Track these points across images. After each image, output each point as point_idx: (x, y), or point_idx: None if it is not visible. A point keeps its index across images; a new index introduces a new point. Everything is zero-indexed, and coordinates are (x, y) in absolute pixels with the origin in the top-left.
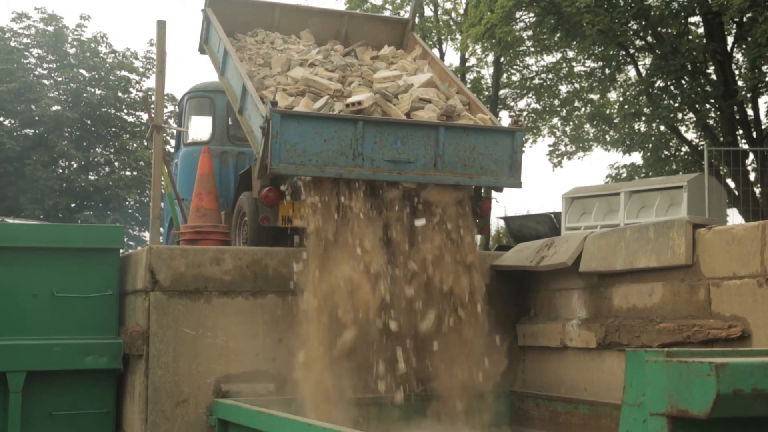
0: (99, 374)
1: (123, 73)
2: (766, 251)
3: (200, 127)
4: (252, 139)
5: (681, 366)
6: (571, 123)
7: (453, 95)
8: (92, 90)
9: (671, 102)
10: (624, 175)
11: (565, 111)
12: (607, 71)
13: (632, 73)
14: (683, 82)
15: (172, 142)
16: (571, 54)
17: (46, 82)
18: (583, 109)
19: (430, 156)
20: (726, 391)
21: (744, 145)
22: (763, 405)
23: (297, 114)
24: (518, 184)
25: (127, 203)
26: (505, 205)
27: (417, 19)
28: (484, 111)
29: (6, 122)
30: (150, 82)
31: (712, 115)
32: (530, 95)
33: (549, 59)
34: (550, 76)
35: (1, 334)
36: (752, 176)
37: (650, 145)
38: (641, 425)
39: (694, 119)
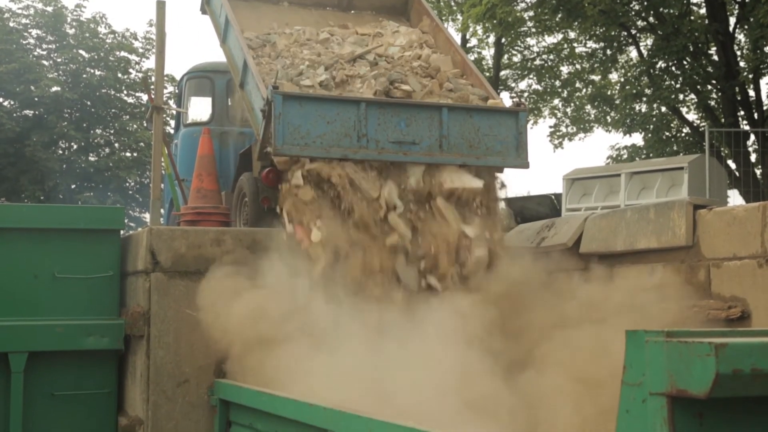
0: (100, 355)
1: (123, 53)
2: (767, 232)
3: (200, 108)
4: (252, 117)
5: (681, 346)
6: (572, 104)
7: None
8: (92, 71)
9: (672, 83)
10: (625, 156)
11: (566, 92)
12: (608, 52)
13: (633, 53)
14: (685, 62)
15: (172, 123)
16: (572, 35)
17: (45, 62)
18: (584, 90)
19: (435, 137)
20: (725, 371)
21: (745, 126)
22: (762, 385)
23: (299, 96)
24: (525, 165)
25: (127, 184)
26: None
27: None
28: (492, 95)
29: (5, 103)
30: (150, 63)
31: (714, 96)
32: (531, 76)
33: (550, 40)
34: (551, 56)
35: (2, 315)
36: (753, 157)
37: (651, 126)
38: (641, 405)
39: (696, 100)
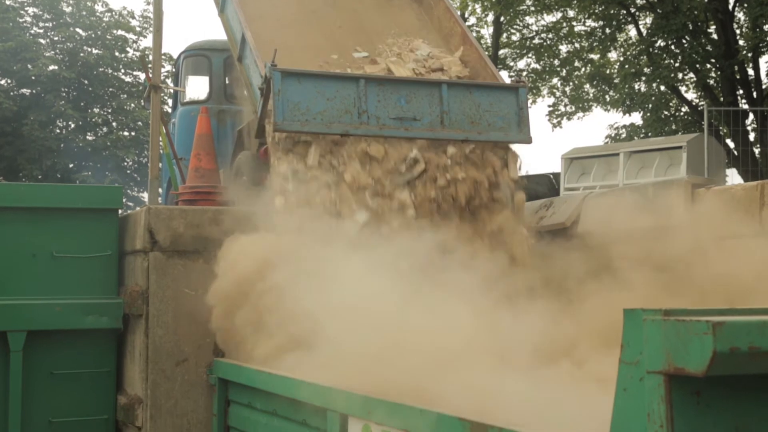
0: (99, 334)
1: (120, 32)
2: (765, 211)
3: (197, 87)
4: (250, 93)
5: (678, 324)
6: (570, 83)
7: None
8: (89, 49)
9: (672, 62)
10: (623, 135)
11: (564, 71)
12: (607, 31)
13: (633, 32)
14: (684, 41)
15: (170, 102)
16: (571, 13)
17: (42, 41)
18: (583, 69)
19: (436, 113)
20: (723, 349)
21: (744, 105)
22: (759, 363)
23: (297, 72)
24: (528, 140)
25: (125, 164)
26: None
27: None
28: (492, 69)
29: (2, 82)
30: (147, 42)
31: (713, 75)
32: (530, 55)
33: (549, 18)
34: (550, 35)
35: (1, 294)
36: (752, 136)
37: (650, 106)
38: (638, 383)
39: (695, 79)
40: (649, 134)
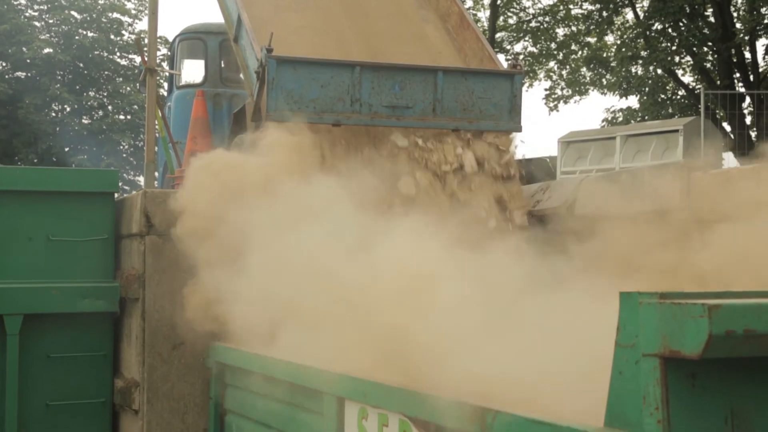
0: (96, 317)
1: (115, 15)
2: (761, 194)
3: (193, 70)
4: (246, 75)
5: (674, 307)
6: (567, 67)
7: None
8: (84, 32)
9: (669, 45)
10: (620, 119)
11: (561, 54)
12: (604, 14)
13: (630, 15)
14: (681, 24)
15: (166, 85)
16: None
17: (37, 23)
18: (579, 52)
19: (428, 101)
20: (718, 332)
21: (741, 89)
22: (754, 345)
23: (293, 60)
24: (518, 128)
25: (121, 147)
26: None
27: None
28: (489, 51)
29: None
30: (142, 25)
31: (710, 58)
32: (527, 38)
33: (546, 1)
34: (547, 18)
35: None
36: (748, 120)
37: (647, 89)
38: (634, 366)
39: (692, 62)
40: (646, 118)
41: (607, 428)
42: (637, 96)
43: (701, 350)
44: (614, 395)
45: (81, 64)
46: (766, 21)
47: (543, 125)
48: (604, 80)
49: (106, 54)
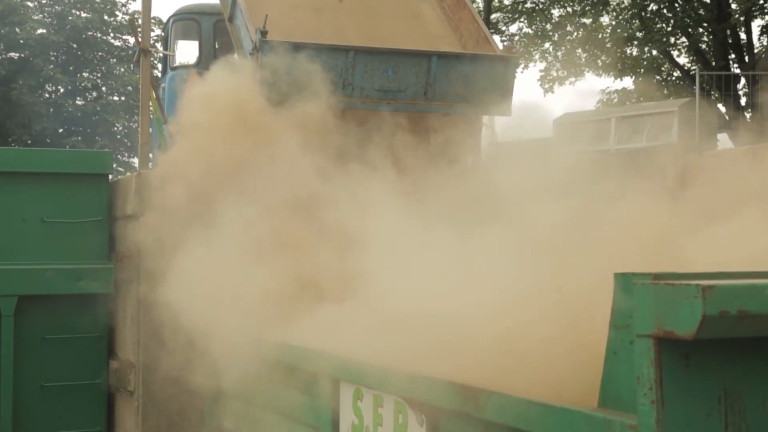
0: (91, 299)
1: None
2: (756, 175)
3: (187, 51)
4: (240, 56)
5: (668, 288)
6: (562, 48)
7: None
8: (77, 13)
9: (664, 26)
10: (615, 100)
11: (557, 35)
12: None
13: None
14: (676, 5)
15: (160, 66)
16: None
17: (30, 4)
18: (575, 33)
19: (421, 84)
20: (712, 312)
21: (736, 70)
22: (748, 326)
23: (287, 43)
24: (508, 113)
25: (115, 128)
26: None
27: None
28: (485, 32)
29: None
30: (136, 5)
31: (705, 39)
32: (522, 19)
33: None
34: None
35: None
36: (743, 101)
37: (642, 70)
38: (628, 347)
39: (687, 43)
40: (641, 99)
41: (601, 408)
42: (632, 77)
43: (695, 331)
44: (608, 376)
45: (74, 45)
46: (761, 2)
47: (538, 107)
48: (599, 61)
49: (99, 35)
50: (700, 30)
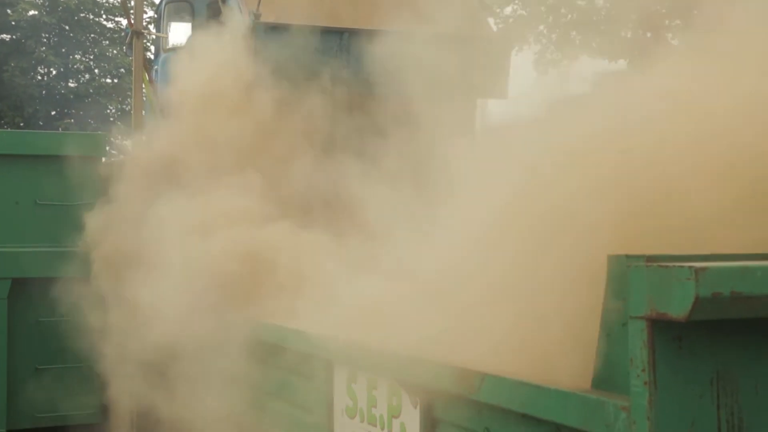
0: (85, 282)
1: None
2: None
3: (180, 33)
4: (233, 36)
5: (661, 270)
6: (557, 30)
7: None
8: None
9: (658, 8)
10: None
11: (551, 18)
12: None
13: None
14: None
15: (153, 48)
16: None
17: None
18: (569, 16)
19: None
20: (705, 294)
21: None
22: (740, 307)
23: (280, 26)
24: (504, 95)
25: (108, 111)
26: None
27: None
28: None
29: None
30: None
31: None
32: (516, 1)
33: None
34: None
35: None
36: None
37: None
38: (621, 328)
39: (681, 25)
40: None
41: (595, 389)
42: (626, 60)
43: (688, 312)
44: (602, 357)
45: (66, 27)
46: None
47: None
48: (593, 44)
49: (92, 16)
50: (695, 12)
